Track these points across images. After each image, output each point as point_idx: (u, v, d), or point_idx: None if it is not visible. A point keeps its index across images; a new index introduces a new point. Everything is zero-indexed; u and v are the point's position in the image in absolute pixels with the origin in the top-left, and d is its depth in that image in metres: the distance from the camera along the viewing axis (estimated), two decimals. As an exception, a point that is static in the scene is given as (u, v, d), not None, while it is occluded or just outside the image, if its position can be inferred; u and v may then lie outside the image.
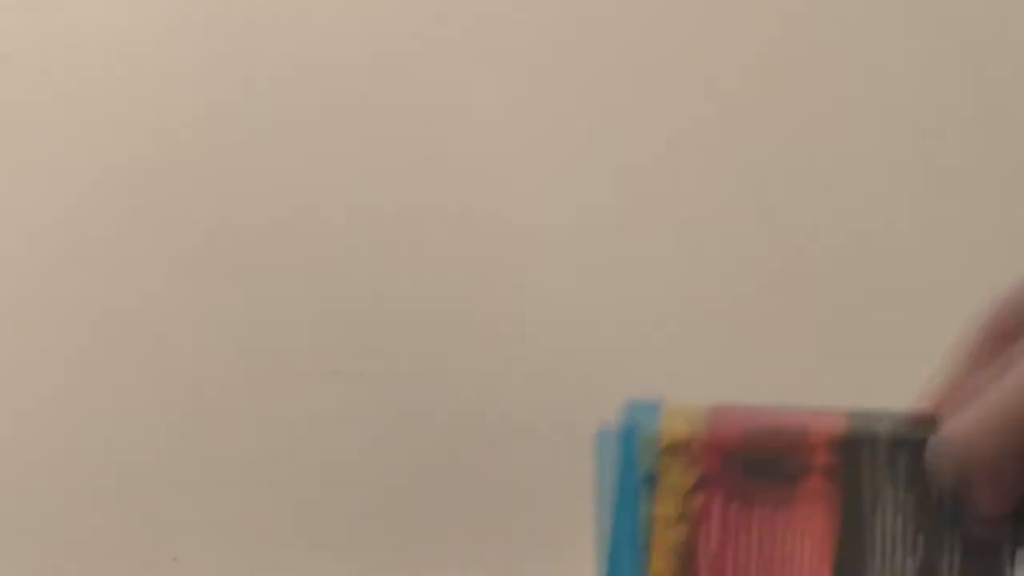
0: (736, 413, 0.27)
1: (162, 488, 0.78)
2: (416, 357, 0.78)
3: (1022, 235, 0.80)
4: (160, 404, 0.78)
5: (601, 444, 0.27)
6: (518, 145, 0.78)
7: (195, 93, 0.81)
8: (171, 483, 0.78)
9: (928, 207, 0.80)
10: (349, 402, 0.77)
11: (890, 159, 0.80)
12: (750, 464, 0.27)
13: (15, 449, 0.78)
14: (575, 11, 0.79)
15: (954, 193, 0.80)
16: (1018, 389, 0.30)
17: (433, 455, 0.78)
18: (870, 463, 0.28)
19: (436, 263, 0.78)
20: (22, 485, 0.78)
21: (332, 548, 0.77)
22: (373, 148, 0.79)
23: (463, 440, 0.78)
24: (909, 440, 0.28)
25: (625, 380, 0.76)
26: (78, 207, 0.80)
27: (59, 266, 0.79)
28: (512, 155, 0.78)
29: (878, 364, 0.79)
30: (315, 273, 0.78)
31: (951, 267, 0.79)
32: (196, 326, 0.78)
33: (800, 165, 0.80)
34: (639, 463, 0.27)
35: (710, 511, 0.27)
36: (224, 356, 0.78)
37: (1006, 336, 0.34)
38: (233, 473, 0.78)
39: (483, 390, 0.78)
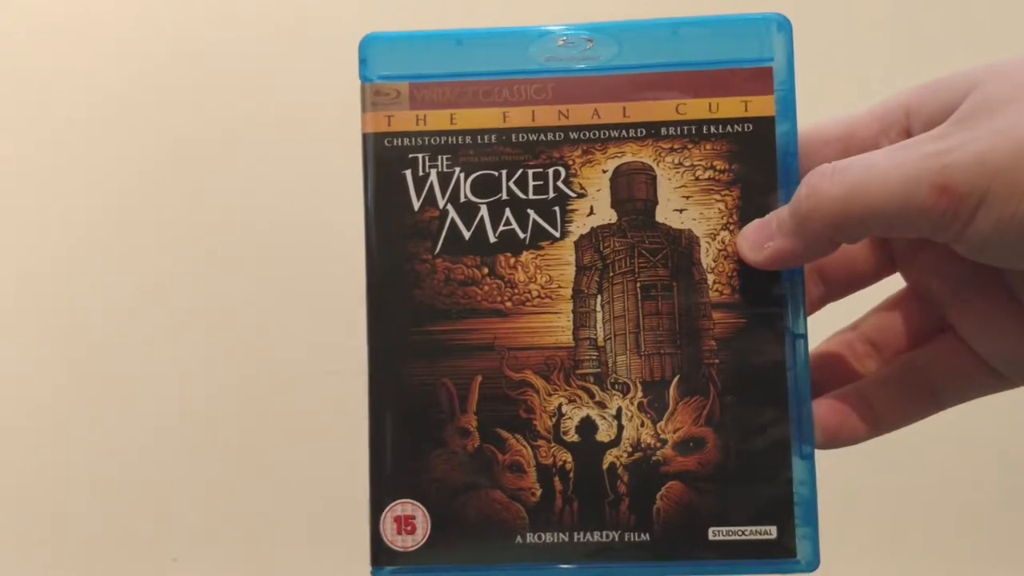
0: None
1: (162, 488, 0.78)
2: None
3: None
4: (160, 404, 0.78)
5: None
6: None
7: (197, 94, 0.81)
8: (171, 483, 0.78)
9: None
10: (349, 402, 0.77)
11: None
12: None
13: (15, 449, 0.78)
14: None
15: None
16: (887, 179, 0.31)
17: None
18: None
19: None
20: (22, 485, 0.78)
21: (333, 548, 0.77)
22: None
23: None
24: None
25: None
26: (76, 207, 0.80)
27: (59, 266, 0.79)
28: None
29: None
30: (315, 273, 0.78)
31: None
32: (196, 325, 0.78)
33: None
34: None
35: None
36: (224, 355, 0.78)
37: (908, 125, 0.36)
38: (233, 473, 0.78)
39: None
